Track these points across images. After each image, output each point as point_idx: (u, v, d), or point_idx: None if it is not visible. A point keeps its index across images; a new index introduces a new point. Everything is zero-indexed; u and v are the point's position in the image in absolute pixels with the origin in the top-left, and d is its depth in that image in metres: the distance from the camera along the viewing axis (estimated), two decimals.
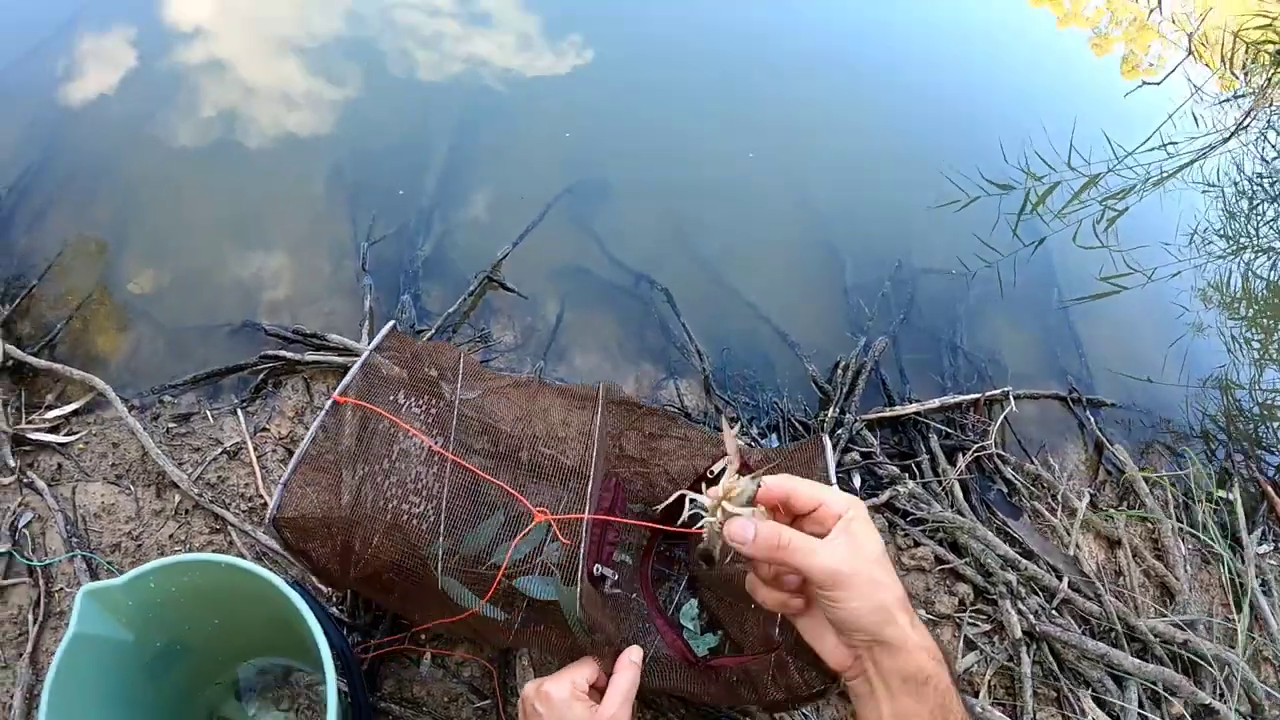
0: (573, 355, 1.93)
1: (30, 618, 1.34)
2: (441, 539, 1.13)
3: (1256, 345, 2.73)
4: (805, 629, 0.73)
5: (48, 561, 1.40)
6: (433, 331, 1.85)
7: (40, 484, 1.49)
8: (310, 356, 1.74)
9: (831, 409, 1.86)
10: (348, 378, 1.22)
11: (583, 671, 0.90)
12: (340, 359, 1.73)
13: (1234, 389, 2.43)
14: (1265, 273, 2.95)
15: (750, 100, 2.93)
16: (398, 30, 2.86)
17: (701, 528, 0.72)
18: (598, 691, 0.89)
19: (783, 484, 0.69)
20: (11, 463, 1.51)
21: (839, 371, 1.96)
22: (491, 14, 3.02)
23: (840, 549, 0.66)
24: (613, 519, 1.27)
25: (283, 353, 1.74)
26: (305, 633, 0.97)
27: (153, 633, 1.07)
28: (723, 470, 0.71)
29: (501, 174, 2.36)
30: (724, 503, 0.67)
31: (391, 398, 1.26)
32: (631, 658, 0.89)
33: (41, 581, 1.37)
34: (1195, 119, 3.31)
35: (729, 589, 1.28)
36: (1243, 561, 1.83)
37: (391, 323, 1.37)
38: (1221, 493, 2.03)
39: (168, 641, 1.10)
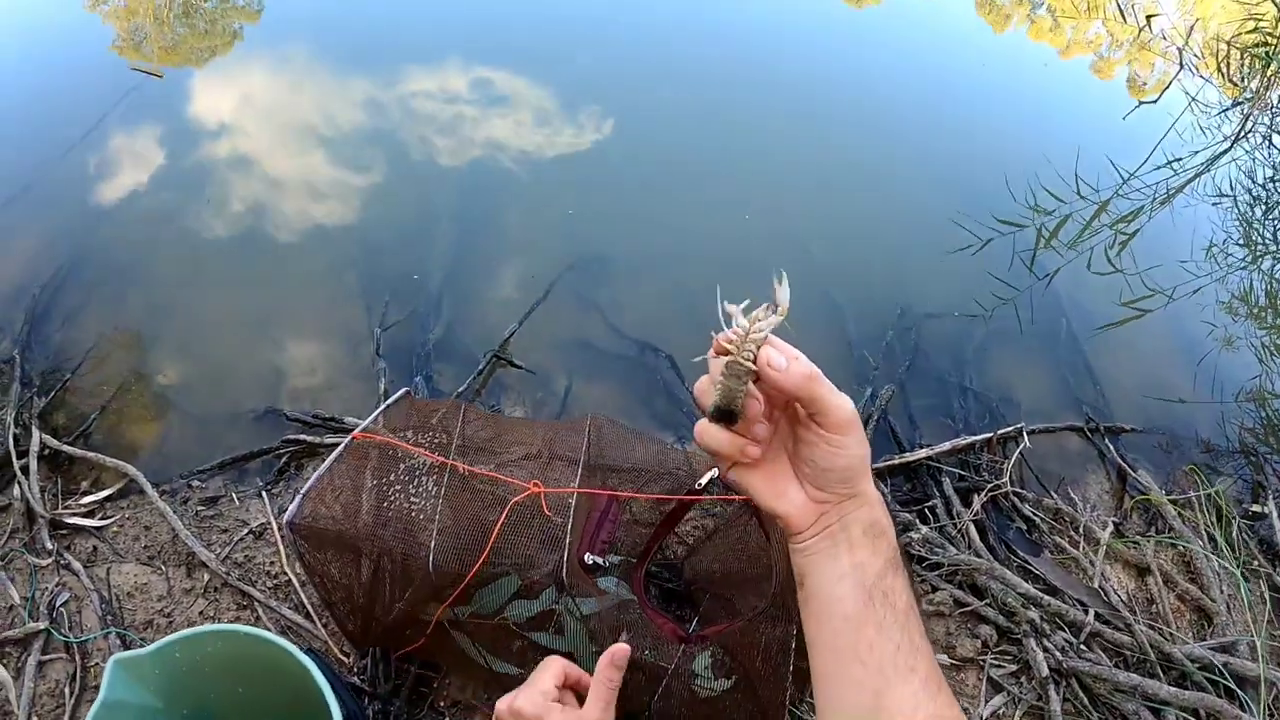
0: None
1: (67, 691, 1.40)
2: (432, 550, 1.18)
3: None
4: (761, 488, 0.67)
5: (84, 638, 1.46)
6: (444, 411, 1.91)
7: (76, 565, 1.56)
8: (330, 439, 1.81)
9: None
10: (366, 421, 1.32)
11: (548, 675, 0.86)
12: None
13: (1271, 399, 2.38)
14: None
15: (744, 161, 3.00)
16: (404, 121, 2.99)
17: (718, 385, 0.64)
18: (577, 694, 0.86)
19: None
20: (50, 545, 1.59)
21: None
22: (489, 100, 3.15)
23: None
24: (604, 492, 1.32)
25: (303, 437, 1.82)
26: (323, 702, 1.00)
27: (179, 700, 1.11)
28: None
29: (507, 254, 2.44)
30: (754, 328, 0.62)
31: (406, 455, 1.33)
32: (614, 660, 0.84)
33: (78, 657, 1.43)
34: (1202, 130, 3.31)
35: (726, 583, 1.35)
36: None
37: (404, 389, 1.44)
38: (1257, 507, 1.99)
39: (194, 709, 1.15)
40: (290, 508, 1.19)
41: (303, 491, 1.19)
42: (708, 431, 0.65)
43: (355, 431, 1.30)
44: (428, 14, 3.83)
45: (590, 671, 0.86)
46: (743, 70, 3.57)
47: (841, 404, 0.62)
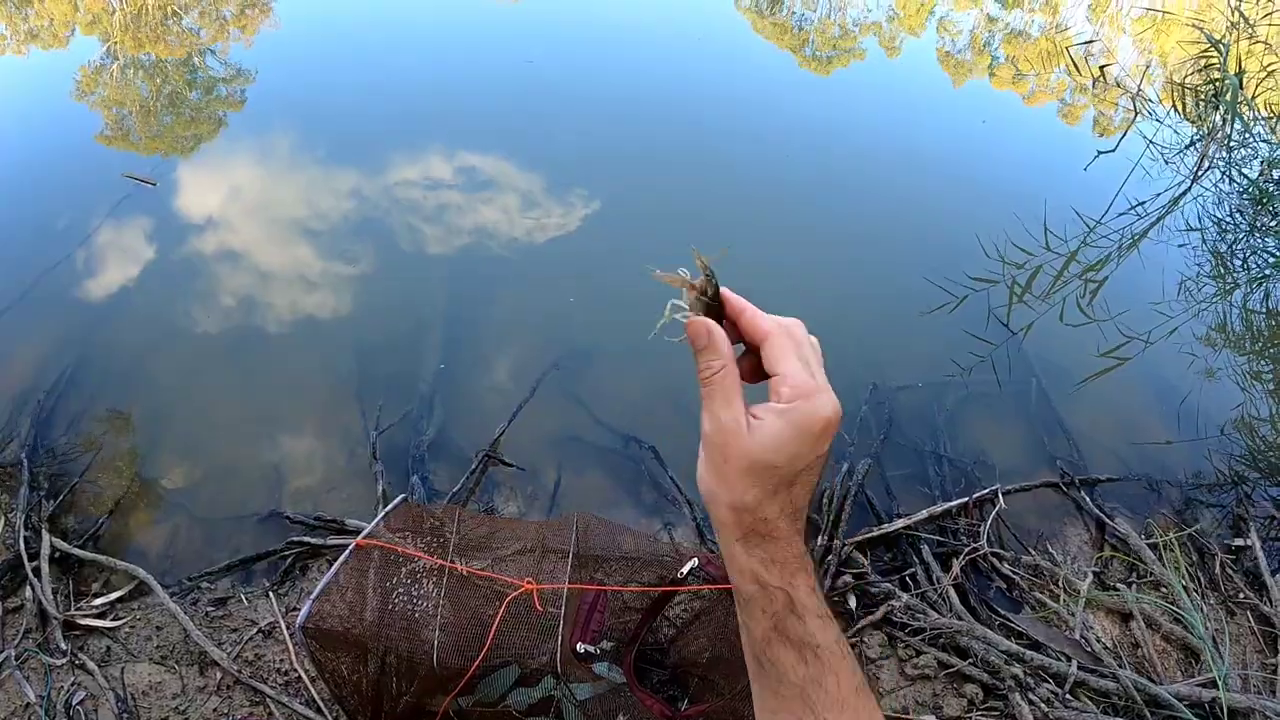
0: None
1: None
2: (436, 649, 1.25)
3: (1269, 377, 2.75)
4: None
5: None
6: (440, 514, 1.96)
7: (91, 665, 1.61)
8: (332, 541, 1.87)
9: (820, 537, 1.91)
10: (369, 527, 1.38)
11: None
12: None
13: (1258, 425, 2.46)
14: (1259, 305, 2.99)
15: (716, 242, 3.01)
16: (390, 209, 3.05)
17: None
18: None
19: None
20: (64, 646, 1.64)
21: (824, 500, 2.00)
22: (473, 185, 3.22)
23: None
24: (592, 586, 1.39)
25: (307, 539, 1.88)
26: None
27: None
28: None
29: (495, 350, 2.51)
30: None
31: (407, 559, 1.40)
32: None
33: None
34: (1166, 163, 3.36)
35: (710, 666, 1.42)
36: (1270, 604, 1.84)
37: (402, 496, 1.51)
38: (1239, 540, 2.04)
39: None
40: (300, 613, 1.26)
41: (312, 596, 1.27)
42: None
43: (358, 539, 1.36)
44: (407, 96, 3.92)
45: None
46: (713, 145, 3.68)
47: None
